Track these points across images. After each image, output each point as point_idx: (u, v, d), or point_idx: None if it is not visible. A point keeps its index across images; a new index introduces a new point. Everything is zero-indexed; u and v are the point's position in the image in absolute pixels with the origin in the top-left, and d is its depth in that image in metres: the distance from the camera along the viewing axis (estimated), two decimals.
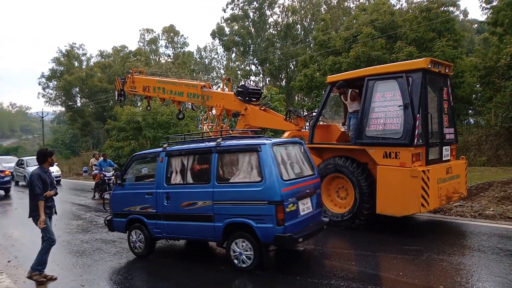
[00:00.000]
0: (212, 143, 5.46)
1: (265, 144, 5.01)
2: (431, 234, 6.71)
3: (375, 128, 6.68)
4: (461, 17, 34.17)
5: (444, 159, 7.05)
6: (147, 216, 5.84)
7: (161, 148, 6.00)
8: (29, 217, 5.37)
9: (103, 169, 12.97)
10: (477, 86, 18.03)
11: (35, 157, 22.51)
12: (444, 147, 7.06)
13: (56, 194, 5.55)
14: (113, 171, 12.54)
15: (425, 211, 6.37)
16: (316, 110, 9.07)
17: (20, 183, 21.08)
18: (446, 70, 7.10)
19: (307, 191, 5.34)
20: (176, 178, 5.66)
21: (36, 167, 5.58)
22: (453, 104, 7.80)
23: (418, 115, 6.26)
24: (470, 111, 20.15)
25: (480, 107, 18.27)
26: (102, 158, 13.76)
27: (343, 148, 7.39)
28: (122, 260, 6.04)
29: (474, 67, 17.24)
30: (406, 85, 6.39)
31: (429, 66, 6.45)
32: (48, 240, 5.34)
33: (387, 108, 6.58)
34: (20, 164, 21.45)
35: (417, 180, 6.09)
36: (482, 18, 26.93)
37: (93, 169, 14.26)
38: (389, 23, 19.15)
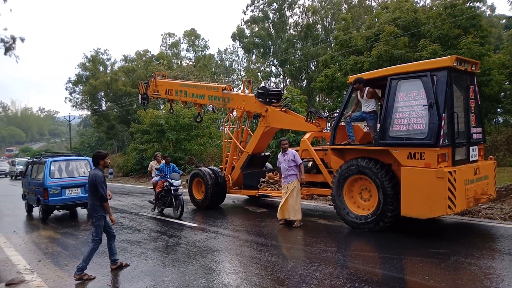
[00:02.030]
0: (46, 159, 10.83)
1: (47, 160, 10.50)
2: (459, 237, 6.52)
3: (398, 129, 6.56)
4: (488, 12, 33.04)
5: (471, 159, 6.85)
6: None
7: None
8: (90, 217, 5.73)
9: (167, 176, 10.00)
10: (506, 83, 17.40)
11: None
12: (471, 147, 6.86)
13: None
14: (180, 179, 9.96)
15: (451, 213, 6.19)
16: (337, 111, 8.99)
17: None
18: (473, 68, 6.90)
19: (73, 184, 10.45)
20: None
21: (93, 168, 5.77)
22: (480, 102, 7.56)
23: (443, 114, 6.10)
24: (498, 110, 19.45)
25: (509, 106, 17.60)
26: (164, 161, 10.50)
27: (366, 149, 7.28)
28: (147, 260, 6.16)
29: (502, 64, 16.63)
30: (431, 84, 6.24)
31: (454, 64, 6.28)
32: (98, 241, 5.58)
33: (411, 107, 6.45)
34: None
35: (443, 182, 5.94)
36: (511, 13, 26.00)
37: (153, 174, 11.18)
38: (412, 20, 18.74)
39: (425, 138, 6.21)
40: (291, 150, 8.07)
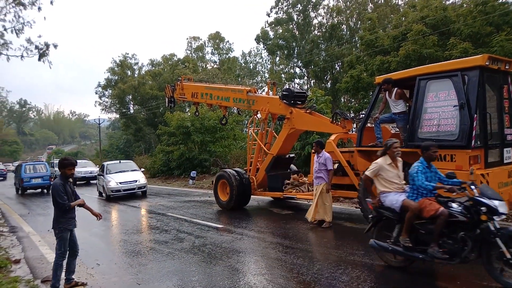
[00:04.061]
0: None
1: (22, 164, 20.47)
2: None
3: (428, 130, 6.40)
4: None
5: (505, 161, 6.60)
6: None
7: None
8: (54, 229, 5.26)
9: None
10: None
11: (80, 160, 25.62)
12: (505, 149, 6.61)
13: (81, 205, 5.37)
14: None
15: None
16: (363, 112, 8.85)
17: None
18: (506, 67, 6.63)
19: (36, 176, 19.34)
20: None
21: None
22: None
23: (475, 115, 5.91)
24: None
25: None
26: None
27: None
28: (174, 260, 6.28)
29: None
30: (462, 84, 6.06)
31: (486, 63, 6.07)
32: (60, 255, 5.16)
33: (441, 108, 6.29)
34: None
35: None
36: None
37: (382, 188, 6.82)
38: (441, 19, 18.22)
39: (456, 139, 6.04)
40: (325, 154, 8.04)
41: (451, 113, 6.14)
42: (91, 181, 24.17)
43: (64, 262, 5.20)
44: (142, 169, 17.91)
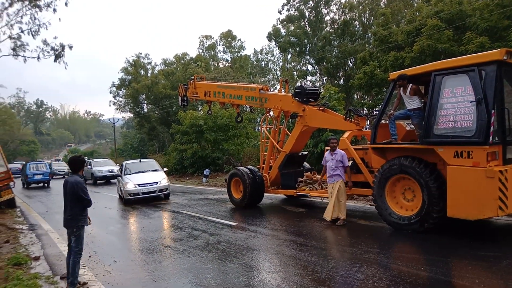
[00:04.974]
0: None
1: (27, 164, 26.02)
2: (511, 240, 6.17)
3: (444, 126, 6.30)
4: None
5: None
6: None
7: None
8: (69, 228, 5.34)
9: None
10: None
11: (100, 159, 25.51)
12: None
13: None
14: None
15: (503, 214, 5.85)
16: (377, 109, 8.76)
17: (87, 182, 23.96)
18: None
19: (38, 173, 24.73)
20: None
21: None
22: None
23: (493, 110, 5.79)
24: None
25: None
26: None
27: (409, 147, 7.05)
28: (189, 257, 6.34)
29: None
30: (479, 79, 5.94)
31: (504, 58, 5.93)
32: (78, 252, 5.26)
33: (457, 104, 6.17)
34: (87, 165, 25.06)
35: (493, 181, 5.64)
36: None
37: None
38: (457, 13, 17.87)
39: (473, 135, 5.93)
40: (340, 151, 8.02)
41: (468, 109, 6.03)
42: (111, 180, 24.26)
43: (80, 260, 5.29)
44: (165, 169, 16.26)
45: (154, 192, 13.72)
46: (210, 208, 11.55)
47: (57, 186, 23.56)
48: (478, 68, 5.99)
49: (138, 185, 13.58)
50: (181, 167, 26.40)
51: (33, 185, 25.10)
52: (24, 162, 31.98)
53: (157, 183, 13.85)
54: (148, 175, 14.29)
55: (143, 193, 13.51)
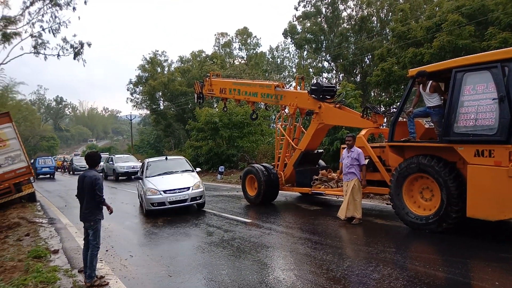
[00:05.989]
0: None
1: (37, 158, 31.69)
2: None
3: (464, 124, 6.13)
4: None
5: None
6: None
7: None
8: (86, 222, 5.48)
9: None
10: None
11: (122, 155, 24.91)
12: None
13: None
14: None
15: None
16: (395, 106, 8.61)
17: (109, 177, 24.69)
18: None
19: (45, 166, 31.72)
20: None
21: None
22: None
23: None
24: None
25: None
26: None
27: (428, 146, 6.90)
28: (204, 253, 6.38)
29: None
30: (502, 75, 5.75)
31: None
32: (95, 245, 5.40)
33: (478, 102, 6.00)
34: (109, 161, 25.55)
35: None
36: None
37: None
38: (479, 8, 17.37)
39: (495, 134, 5.75)
40: (356, 149, 7.93)
41: (490, 107, 5.86)
42: (133, 176, 24.26)
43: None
44: (198, 169, 13.05)
45: (185, 201, 10.22)
46: (224, 204, 11.59)
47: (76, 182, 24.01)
48: (501, 64, 5.80)
49: (164, 191, 10.13)
50: (196, 164, 26.55)
51: (41, 176, 31.30)
52: (35, 158, 37.81)
53: (188, 188, 10.32)
54: (177, 178, 10.86)
55: (170, 203, 10.09)
